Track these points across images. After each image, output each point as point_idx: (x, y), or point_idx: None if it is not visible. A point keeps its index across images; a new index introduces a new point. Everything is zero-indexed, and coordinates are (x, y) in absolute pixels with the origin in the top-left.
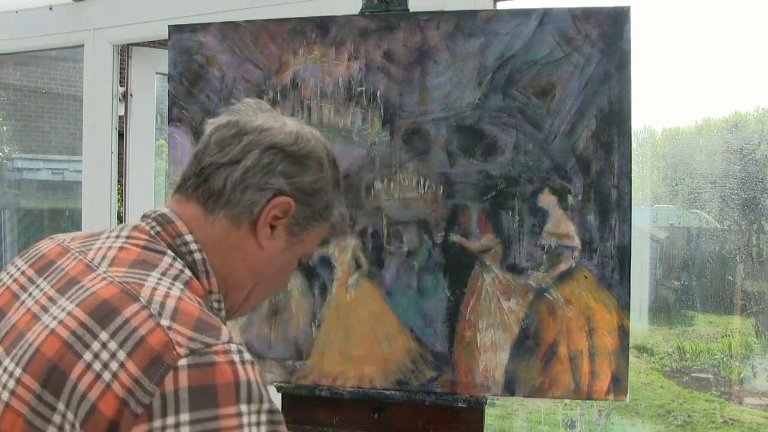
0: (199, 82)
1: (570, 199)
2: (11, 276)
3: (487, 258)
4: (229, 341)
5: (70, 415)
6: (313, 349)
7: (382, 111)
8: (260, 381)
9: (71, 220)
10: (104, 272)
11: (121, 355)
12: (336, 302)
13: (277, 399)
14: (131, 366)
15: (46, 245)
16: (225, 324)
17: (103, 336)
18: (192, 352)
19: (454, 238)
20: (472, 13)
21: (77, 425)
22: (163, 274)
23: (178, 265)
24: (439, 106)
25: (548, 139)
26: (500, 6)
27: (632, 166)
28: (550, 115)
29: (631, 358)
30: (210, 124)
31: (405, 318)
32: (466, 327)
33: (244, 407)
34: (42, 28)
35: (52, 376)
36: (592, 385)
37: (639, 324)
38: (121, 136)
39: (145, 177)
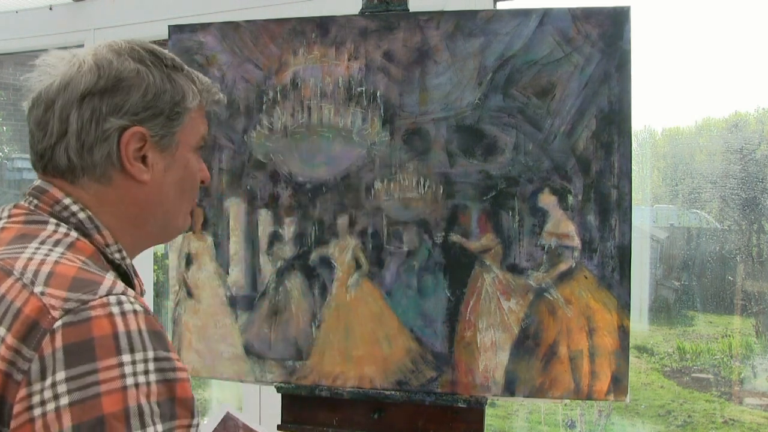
0: None
1: (570, 199)
2: None
3: (487, 258)
4: (108, 293)
5: None
6: (313, 349)
7: (382, 111)
8: (146, 329)
9: None
10: None
11: (2, 331)
12: (336, 302)
13: (276, 399)
14: (10, 339)
15: None
16: (134, 271)
17: None
18: (67, 312)
19: (454, 238)
20: (472, 13)
21: None
22: (42, 242)
23: (63, 230)
24: (439, 106)
25: (548, 139)
26: (500, 6)
27: (632, 166)
28: (550, 115)
29: (631, 359)
30: (26, 109)
31: (405, 318)
32: (466, 327)
33: (126, 357)
34: (42, 28)
35: None
36: (592, 386)
37: (639, 324)
38: None
39: None
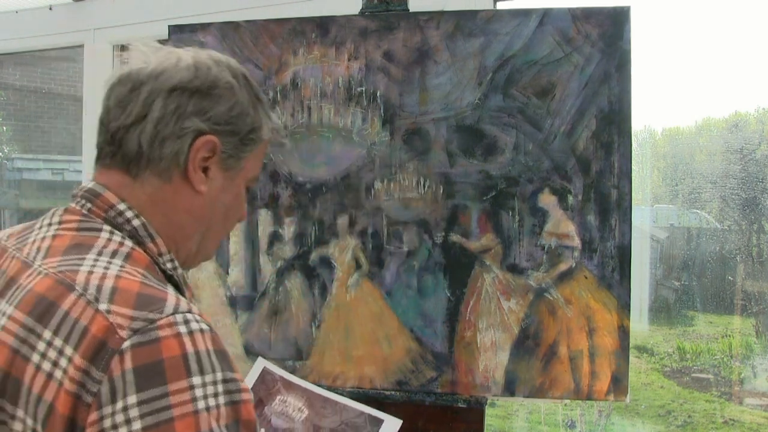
0: None
1: (570, 199)
2: None
3: (487, 258)
4: (174, 312)
5: (29, 421)
6: (313, 349)
7: (382, 111)
8: (213, 349)
9: None
10: (39, 266)
11: (68, 350)
12: (336, 302)
13: None
14: (78, 359)
15: None
16: (185, 281)
17: (47, 334)
18: (135, 332)
19: (454, 238)
20: (472, 13)
21: (39, 429)
22: (99, 253)
23: (117, 238)
24: (439, 106)
25: (548, 139)
26: (500, 6)
27: (632, 166)
28: (550, 115)
29: (632, 359)
30: (105, 85)
31: (405, 318)
32: (466, 327)
33: (196, 379)
34: (42, 28)
35: (7, 385)
36: (592, 386)
37: (639, 324)
38: None
39: None
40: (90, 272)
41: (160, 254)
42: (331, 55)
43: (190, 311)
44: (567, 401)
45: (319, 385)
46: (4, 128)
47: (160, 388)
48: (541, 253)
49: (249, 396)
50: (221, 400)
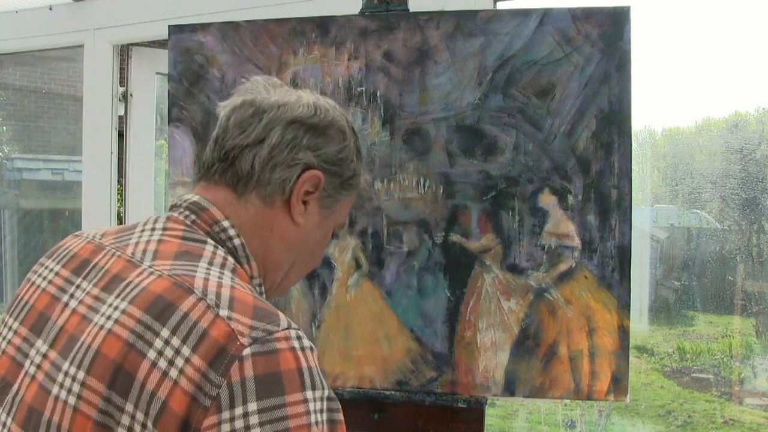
0: (199, 82)
1: (570, 199)
2: (43, 277)
3: (487, 258)
4: (288, 327)
5: (139, 415)
6: None
7: (382, 111)
8: (318, 366)
9: (71, 220)
10: (149, 266)
11: (185, 350)
12: (336, 302)
13: None
14: (196, 360)
15: (75, 243)
16: None
17: (165, 332)
18: (255, 341)
19: (454, 238)
20: (472, 13)
21: (149, 424)
22: (210, 263)
23: (221, 252)
24: (439, 106)
25: (548, 139)
26: (500, 6)
27: (632, 166)
28: (550, 115)
29: (632, 359)
30: (224, 107)
31: (405, 318)
32: (466, 327)
33: (309, 393)
34: (42, 28)
35: (118, 378)
36: (592, 386)
37: (639, 324)
38: (121, 136)
39: (145, 177)
40: (206, 279)
41: (252, 277)
42: (331, 55)
43: (299, 329)
44: (567, 401)
45: None
46: (4, 128)
47: (278, 398)
48: (541, 253)
49: (342, 417)
50: (326, 417)
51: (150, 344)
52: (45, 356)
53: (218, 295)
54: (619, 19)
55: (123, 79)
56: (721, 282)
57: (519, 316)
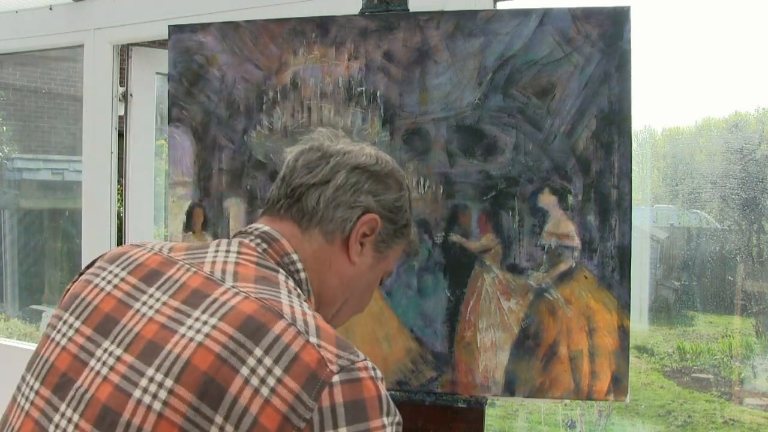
0: (199, 82)
1: (570, 199)
2: (107, 281)
3: (487, 258)
4: (365, 358)
5: (229, 428)
6: None
7: (382, 111)
8: (389, 394)
9: (71, 220)
10: (232, 286)
11: (277, 370)
12: None
13: None
14: (290, 382)
15: (139, 253)
16: None
17: (258, 351)
18: (342, 369)
19: (454, 238)
20: (472, 13)
21: None
22: (289, 292)
23: (292, 283)
24: (439, 106)
25: (548, 139)
26: (500, 6)
27: (632, 166)
28: (550, 115)
29: (632, 359)
30: (290, 152)
31: (405, 318)
32: (466, 327)
33: (386, 419)
34: (42, 28)
35: (209, 389)
36: (593, 386)
37: (639, 324)
38: (121, 136)
39: (145, 177)
40: (291, 306)
41: None
42: (331, 55)
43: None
44: (567, 401)
45: None
46: (4, 128)
47: (364, 423)
48: (541, 253)
49: None
50: None
51: (243, 361)
52: (119, 359)
53: (306, 323)
54: (619, 19)
55: (123, 79)
56: (721, 282)
57: (519, 316)
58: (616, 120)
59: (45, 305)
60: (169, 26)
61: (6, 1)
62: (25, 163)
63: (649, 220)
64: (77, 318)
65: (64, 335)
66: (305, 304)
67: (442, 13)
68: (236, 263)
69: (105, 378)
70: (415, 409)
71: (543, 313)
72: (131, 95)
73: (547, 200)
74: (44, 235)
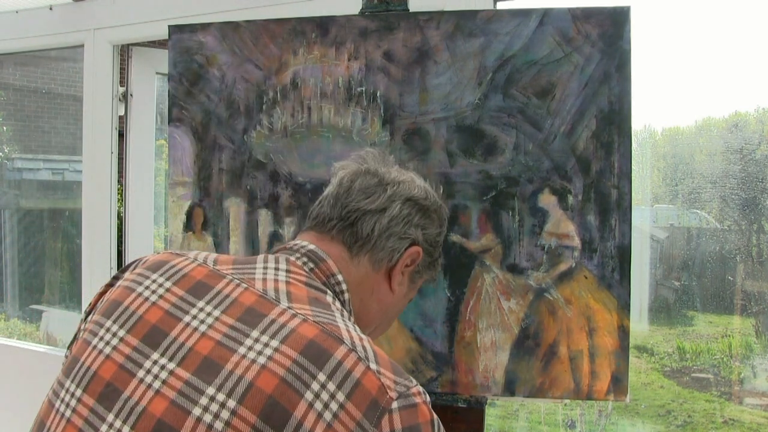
0: (199, 82)
1: (570, 199)
2: (152, 290)
3: (487, 258)
4: (417, 384)
5: None
6: None
7: (382, 111)
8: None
9: (71, 220)
10: (289, 307)
11: (340, 396)
12: None
13: None
14: (351, 408)
15: (183, 263)
16: None
17: (321, 376)
18: (400, 396)
19: (454, 238)
20: (472, 13)
21: None
22: (342, 315)
23: (338, 304)
24: (439, 106)
25: (548, 139)
26: (500, 6)
27: (632, 166)
28: (550, 115)
29: (632, 359)
30: (341, 168)
31: (405, 318)
32: (466, 327)
33: None
34: (42, 28)
35: (273, 412)
36: (593, 386)
37: (639, 324)
38: (121, 136)
39: (145, 177)
40: (348, 330)
41: None
42: (331, 55)
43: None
44: (567, 401)
45: None
46: (4, 128)
47: None
48: (541, 253)
49: None
50: None
51: (307, 385)
52: (172, 372)
53: (365, 349)
54: (619, 19)
55: (123, 79)
56: (721, 282)
57: (519, 316)
58: (616, 120)
59: (45, 305)
60: (169, 26)
61: (6, 1)
62: (25, 163)
63: (649, 220)
64: (121, 327)
65: (107, 343)
66: (357, 327)
67: (442, 13)
68: (287, 282)
69: (158, 392)
70: None
71: (543, 313)
72: (131, 95)
73: (547, 200)
74: (44, 235)
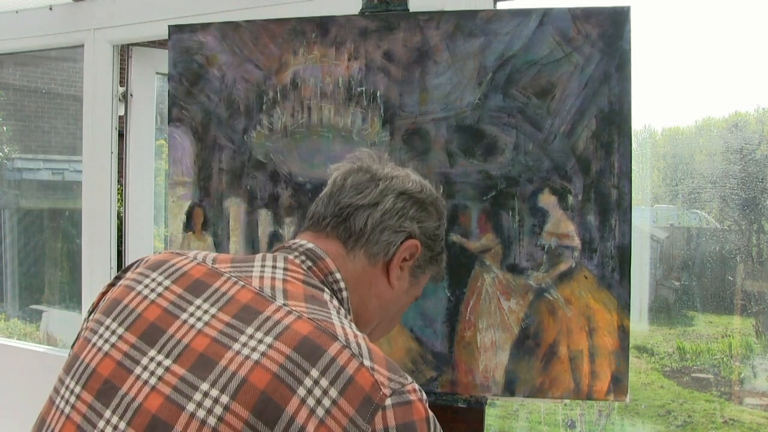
0: (199, 82)
1: (570, 199)
2: (151, 289)
3: (487, 258)
4: (413, 381)
5: None
6: None
7: (382, 111)
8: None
9: (71, 220)
10: (284, 304)
11: (333, 392)
12: None
13: None
14: (344, 404)
15: (182, 261)
16: None
17: (314, 372)
18: (394, 392)
19: (454, 238)
20: (472, 13)
21: None
22: (338, 312)
23: (336, 302)
24: (439, 106)
25: (548, 139)
26: (500, 6)
27: (632, 166)
28: (550, 115)
29: (632, 359)
30: (336, 169)
31: (405, 318)
32: (466, 327)
33: None
34: (42, 28)
35: (266, 408)
36: (593, 386)
37: (639, 324)
38: (121, 136)
39: (145, 177)
40: (343, 327)
41: None
42: (331, 55)
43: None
44: (567, 401)
45: None
46: (4, 128)
47: None
48: (541, 253)
49: None
50: None
51: (300, 381)
52: (168, 369)
53: (359, 345)
54: (619, 19)
55: (123, 79)
56: (721, 282)
57: (519, 316)
58: (616, 120)
59: (45, 305)
60: (169, 26)
61: (6, 1)
62: (25, 163)
63: (649, 220)
64: (120, 324)
65: (106, 341)
66: (353, 325)
67: (442, 13)
68: (284, 280)
69: (153, 388)
70: None
71: (543, 313)
72: (131, 95)
73: (547, 200)
74: (44, 235)
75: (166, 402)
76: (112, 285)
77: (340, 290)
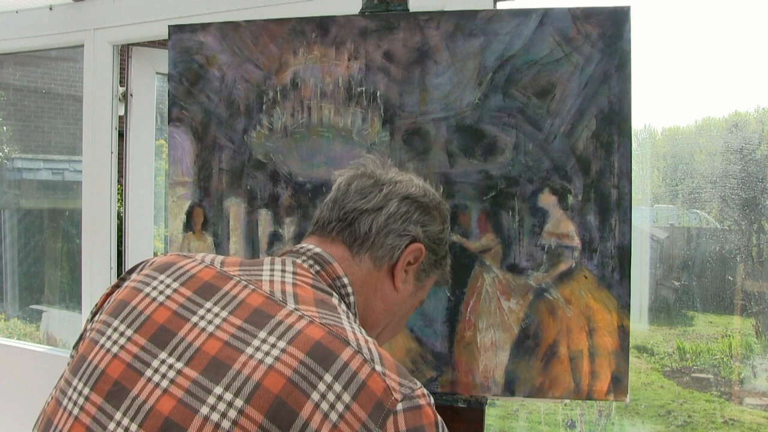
0: (199, 82)
1: (570, 199)
2: (159, 291)
3: (487, 258)
4: (422, 385)
5: None
6: None
7: (382, 111)
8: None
9: (71, 220)
10: (295, 309)
11: (346, 397)
12: None
13: None
14: (357, 409)
15: (189, 264)
16: None
17: (327, 377)
18: (404, 397)
19: (454, 238)
20: (472, 13)
21: None
22: (348, 317)
23: (344, 306)
24: (439, 106)
25: (548, 139)
26: (500, 6)
27: (632, 166)
28: (550, 115)
29: (632, 358)
30: (340, 175)
31: None
32: (466, 327)
33: None
34: (42, 28)
35: (280, 412)
36: (593, 386)
37: (639, 324)
38: (121, 136)
39: (145, 177)
40: (354, 332)
41: None
42: (331, 55)
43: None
44: (567, 401)
45: None
46: (4, 128)
47: None
48: (541, 253)
49: None
50: None
51: (313, 386)
52: (180, 372)
53: (370, 351)
54: (619, 19)
55: (123, 79)
56: (721, 282)
57: (519, 316)
58: (616, 120)
59: (45, 305)
60: (169, 26)
61: (6, 1)
62: (25, 163)
63: (649, 220)
64: (128, 326)
65: (114, 342)
66: (363, 330)
67: (442, 13)
68: (294, 284)
69: (165, 390)
70: None
71: (543, 313)
72: (131, 95)
73: (547, 200)
74: (44, 235)
75: (179, 405)
76: (116, 286)
77: (348, 294)
